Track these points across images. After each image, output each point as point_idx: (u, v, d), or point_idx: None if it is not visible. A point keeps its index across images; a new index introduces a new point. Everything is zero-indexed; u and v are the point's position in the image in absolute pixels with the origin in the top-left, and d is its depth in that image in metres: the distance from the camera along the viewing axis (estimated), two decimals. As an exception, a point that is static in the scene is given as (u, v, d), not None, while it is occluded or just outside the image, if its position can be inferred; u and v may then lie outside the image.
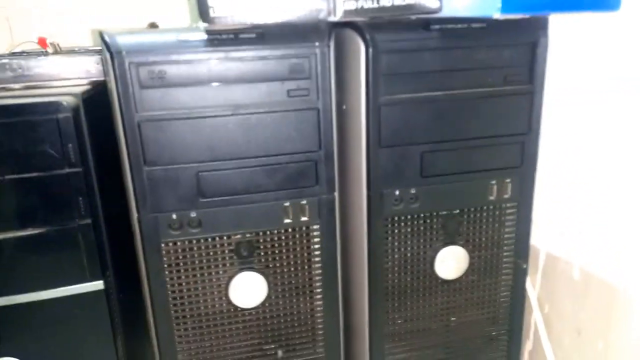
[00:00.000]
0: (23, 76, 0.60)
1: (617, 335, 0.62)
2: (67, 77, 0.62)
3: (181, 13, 1.02)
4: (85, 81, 0.63)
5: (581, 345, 0.68)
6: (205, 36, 0.54)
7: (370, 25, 0.59)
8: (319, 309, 0.67)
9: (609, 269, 0.63)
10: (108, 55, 0.53)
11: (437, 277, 0.69)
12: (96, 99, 0.60)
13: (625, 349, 0.61)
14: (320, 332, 0.68)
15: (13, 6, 0.96)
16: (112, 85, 0.54)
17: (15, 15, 0.96)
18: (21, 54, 0.79)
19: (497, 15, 0.50)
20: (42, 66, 0.61)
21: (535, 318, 0.76)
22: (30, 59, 0.62)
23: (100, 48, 0.83)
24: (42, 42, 0.81)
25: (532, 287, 0.75)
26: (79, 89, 0.58)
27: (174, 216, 0.58)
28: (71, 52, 0.77)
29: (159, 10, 1.02)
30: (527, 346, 0.79)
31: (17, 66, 0.59)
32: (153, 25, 1.00)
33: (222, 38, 0.54)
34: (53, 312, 0.57)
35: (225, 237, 0.60)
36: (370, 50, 0.58)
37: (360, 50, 0.59)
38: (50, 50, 0.80)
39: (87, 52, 0.77)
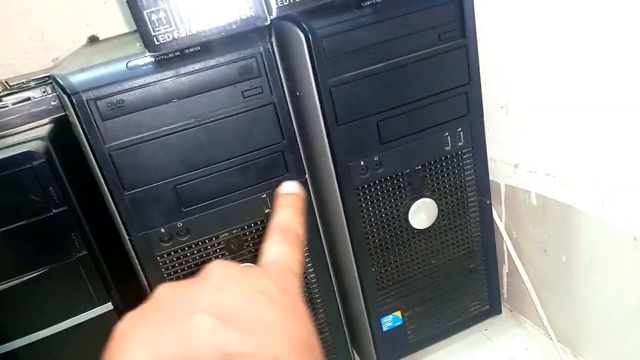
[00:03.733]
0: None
1: (576, 247, 0.70)
2: (28, 119, 0.64)
3: (117, 20, 1.02)
4: (46, 119, 0.64)
5: (548, 261, 0.76)
6: (152, 59, 0.56)
7: (305, 15, 0.62)
8: (313, 280, 0.73)
9: (560, 191, 0.70)
10: (66, 97, 0.55)
11: (412, 229, 0.75)
12: (60, 134, 0.62)
13: (584, 258, 0.69)
14: (319, 299, 0.75)
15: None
16: (75, 122, 0.57)
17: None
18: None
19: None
20: (1, 115, 0.63)
21: (506, 244, 0.83)
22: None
23: (50, 75, 0.84)
24: (-11, 82, 0.82)
25: (499, 218, 0.83)
26: (44, 129, 0.61)
27: (162, 230, 0.62)
28: (23, 87, 0.78)
29: (97, 20, 1.02)
30: (504, 270, 0.87)
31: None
32: (93, 38, 1.00)
33: (169, 57, 0.57)
34: (74, 337, 0.62)
35: (214, 238, 0.65)
36: (310, 38, 0.61)
37: (301, 40, 0.62)
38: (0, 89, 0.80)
39: (39, 84, 0.78)
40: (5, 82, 0.81)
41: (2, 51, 1.01)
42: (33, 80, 0.83)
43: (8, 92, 0.79)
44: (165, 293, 0.27)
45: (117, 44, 0.84)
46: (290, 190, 0.35)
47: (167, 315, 0.25)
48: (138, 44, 0.66)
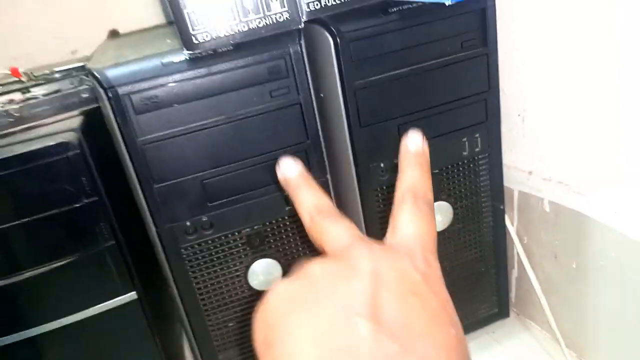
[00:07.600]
0: (19, 120, 0.63)
1: (586, 254, 0.71)
2: (59, 111, 0.65)
3: (138, 14, 1.03)
4: (76, 111, 0.66)
5: (558, 267, 0.78)
6: (186, 57, 0.58)
7: (334, 18, 0.64)
8: (328, 278, 0.75)
9: (573, 199, 0.72)
10: (101, 91, 0.56)
11: (427, 231, 0.77)
12: (91, 126, 0.63)
13: (594, 265, 0.71)
14: (333, 297, 0.76)
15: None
16: (108, 115, 0.58)
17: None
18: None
19: (448, 2, 0.56)
20: (34, 106, 0.64)
21: (516, 249, 0.85)
22: (20, 103, 0.65)
23: (75, 66, 0.86)
24: (15, 72, 0.83)
25: (511, 224, 0.85)
26: (75, 121, 0.62)
27: (188, 223, 0.64)
28: (49, 78, 0.79)
29: (117, 12, 1.03)
30: (513, 274, 0.89)
31: (12, 111, 0.62)
32: (114, 33, 1.01)
33: (202, 56, 0.58)
34: (98, 325, 0.63)
35: (236, 233, 0.67)
36: (338, 41, 0.63)
37: (329, 43, 0.63)
38: (24, 79, 0.82)
39: (65, 76, 0.79)
40: (31, 72, 0.83)
41: (21, 41, 1.02)
42: (57, 72, 0.84)
43: (34, 83, 0.80)
44: (318, 276, 0.27)
45: (142, 39, 0.85)
46: (416, 146, 0.31)
47: (326, 307, 0.25)
48: (168, 40, 0.68)
